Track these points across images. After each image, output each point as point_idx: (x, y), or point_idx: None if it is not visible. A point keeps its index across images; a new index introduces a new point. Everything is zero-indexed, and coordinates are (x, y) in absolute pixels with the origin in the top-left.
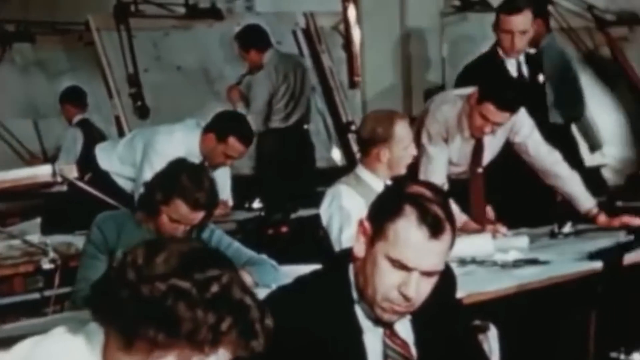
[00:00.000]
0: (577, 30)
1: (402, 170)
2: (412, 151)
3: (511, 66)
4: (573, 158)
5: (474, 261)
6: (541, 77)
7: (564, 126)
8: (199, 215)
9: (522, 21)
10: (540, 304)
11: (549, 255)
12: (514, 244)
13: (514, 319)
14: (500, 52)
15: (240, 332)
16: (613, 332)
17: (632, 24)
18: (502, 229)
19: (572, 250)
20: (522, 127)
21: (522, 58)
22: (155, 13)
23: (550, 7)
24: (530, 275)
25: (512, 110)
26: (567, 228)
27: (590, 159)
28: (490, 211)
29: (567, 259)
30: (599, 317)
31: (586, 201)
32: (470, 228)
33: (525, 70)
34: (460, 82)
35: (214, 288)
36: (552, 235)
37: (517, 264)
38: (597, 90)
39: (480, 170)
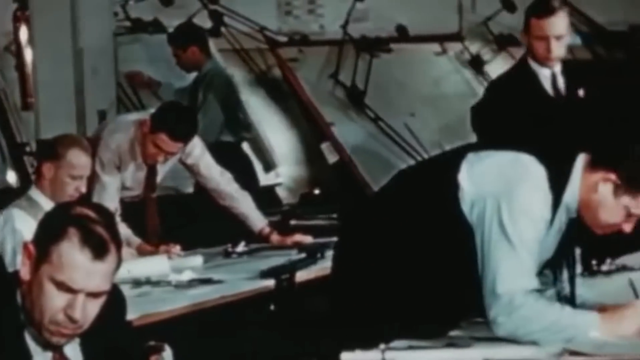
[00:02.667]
0: (249, 52)
1: (64, 198)
2: (82, 188)
3: (545, 80)
4: (246, 177)
5: (149, 282)
6: (582, 92)
7: (235, 145)
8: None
9: (558, 24)
10: (216, 322)
11: (222, 274)
12: (189, 264)
13: (190, 339)
14: (532, 64)
15: None
16: (288, 348)
17: (302, 44)
18: (176, 249)
19: (245, 269)
20: (194, 149)
21: (558, 69)
22: None
23: (222, 29)
24: (204, 295)
25: (185, 140)
26: (241, 247)
27: (265, 179)
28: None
29: (240, 278)
30: (274, 333)
31: (258, 221)
32: (144, 250)
33: (561, 82)
34: (488, 98)
35: None
36: (226, 254)
37: (192, 283)
38: (270, 111)
39: (154, 195)
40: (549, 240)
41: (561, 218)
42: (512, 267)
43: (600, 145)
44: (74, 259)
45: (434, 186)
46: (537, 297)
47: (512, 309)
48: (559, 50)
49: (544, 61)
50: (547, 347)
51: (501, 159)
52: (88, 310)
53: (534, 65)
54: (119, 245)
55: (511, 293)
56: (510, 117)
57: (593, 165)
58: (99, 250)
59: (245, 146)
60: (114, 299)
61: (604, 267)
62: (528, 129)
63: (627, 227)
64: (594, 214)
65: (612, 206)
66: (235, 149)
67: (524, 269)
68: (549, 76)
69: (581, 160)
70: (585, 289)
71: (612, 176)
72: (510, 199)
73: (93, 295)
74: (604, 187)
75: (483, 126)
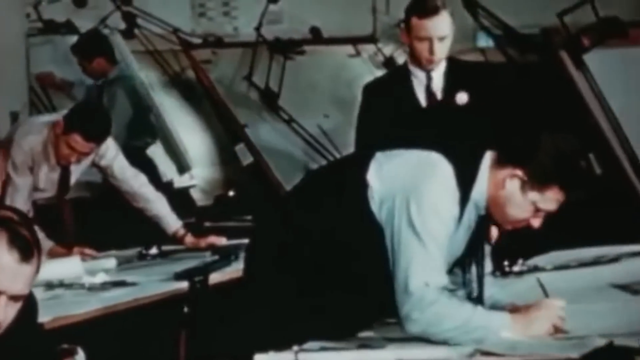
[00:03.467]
0: (163, 53)
1: None
2: None
3: (419, 83)
4: (159, 180)
5: (61, 284)
6: (464, 97)
7: (142, 149)
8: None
9: (440, 24)
10: (130, 325)
11: (136, 277)
12: (102, 267)
13: (103, 342)
14: (410, 65)
15: None
16: (202, 350)
17: (216, 46)
18: (90, 251)
19: (159, 271)
20: (108, 151)
21: (439, 71)
22: None
23: (136, 31)
24: (117, 297)
25: (98, 141)
26: (155, 249)
27: (179, 181)
28: None
29: (154, 280)
30: (188, 336)
31: (172, 223)
32: (58, 253)
33: (438, 85)
34: (364, 99)
35: None
36: (140, 256)
37: (105, 286)
38: (183, 112)
39: (67, 196)
40: (459, 237)
41: (470, 215)
42: (423, 263)
43: (506, 142)
44: (2, 260)
45: (344, 186)
46: (449, 295)
47: (425, 305)
48: (441, 51)
49: (426, 63)
50: (459, 348)
51: (409, 157)
52: (8, 313)
53: (411, 67)
54: (40, 249)
55: (423, 289)
56: (378, 121)
57: (500, 162)
58: (25, 252)
59: (160, 148)
60: (26, 302)
61: (516, 268)
62: (396, 133)
63: (536, 223)
64: (502, 210)
65: (519, 202)
66: (140, 154)
67: (435, 265)
68: (424, 79)
69: (488, 157)
70: (497, 289)
71: (519, 172)
72: (419, 196)
73: (14, 298)
74: (511, 183)
75: (357, 131)
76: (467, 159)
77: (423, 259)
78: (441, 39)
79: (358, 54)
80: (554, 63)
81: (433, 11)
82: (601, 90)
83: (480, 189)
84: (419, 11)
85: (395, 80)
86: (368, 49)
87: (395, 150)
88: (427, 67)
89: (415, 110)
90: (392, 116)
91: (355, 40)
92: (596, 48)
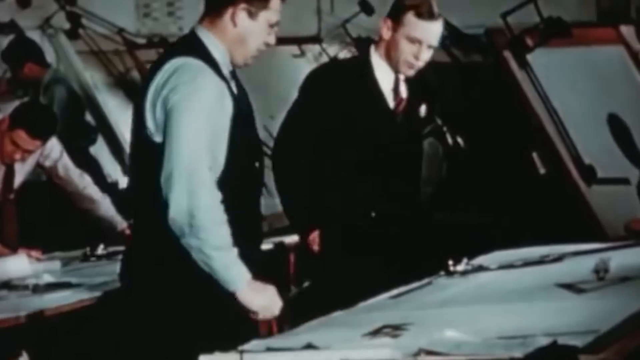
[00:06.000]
0: (107, 54)
1: None
2: None
3: (385, 82)
4: (104, 181)
5: (6, 285)
6: (423, 109)
7: (85, 150)
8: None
9: (436, 32)
10: (74, 326)
11: (80, 278)
12: (47, 268)
13: (48, 343)
14: (377, 59)
15: None
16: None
17: (161, 46)
18: (36, 253)
19: (103, 272)
20: (52, 151)
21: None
22: None
23: (80, 31)
24: (62, 299)
25: (44, 138)
26: (99, 251)
27: (124, 181)
28: None
29: (98, 282)
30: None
31: (118, 223)
32: (2, 253)
33: (404, 92)
34: (310, 90)
35: None
36: (85, 258)
37: (50, 287)
38: (128, 113)
39: (12, 196)
40: None
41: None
42: None
43: None
44: None
45: None
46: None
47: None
48: (425, 60)
49: (406, 67)
50: (404, 347)
51: None
52: None
53: (377, 62)
54: None
55: None
56: (330, 119)
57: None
58: None
59: (105, 149)
60: None
61: (460, 267)
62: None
63: (271, 40)
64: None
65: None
66: (84, 155)
67: None
68: (392, 81)
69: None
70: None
71: (241, 4)
72: None
73: None
74: (240, 17)
75: (294, 129)
76: None
77: None
78: (430, 47)
79: (303, 54)
80: (498, 63)
81: (433, 15)
82: (545, 91)
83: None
84: (419, 10)
85: (355, 74)
86: (313, 49)
87: None
88: (403, 71)
89: (385, 114)
90: (353, 116)
91: (300, 41)
92: (540, 48)
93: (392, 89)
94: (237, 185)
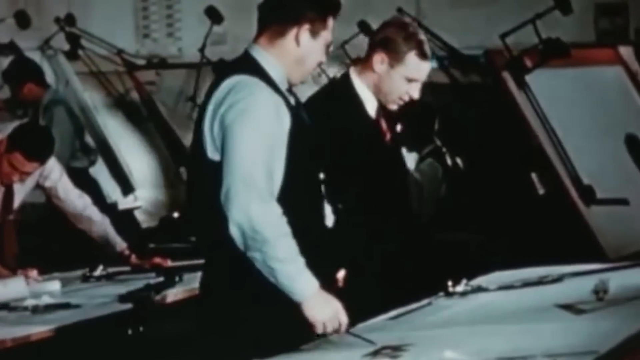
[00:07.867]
0: (107, 74)
1: None
2: None
3: (371, 106)
4: (103, 201)
5: (5, 307)
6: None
7: (84, 171)
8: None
9: (428, 69)
10: (74, 347)
11: (80, 299)
12: (46, 289)
13: None
14: (362, 88)
15: None
16: None
17: (160, 67)
18: (33, 273)
19: (103, 293)
20: (52, 172)
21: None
22: None
23: (80, 52)
24: (61, 319)
25: (42, 160)
26: (99, 271)
27: (123, 202)
28: None
29: (98, 302)
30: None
31: (117, 244)
32: (1, 274)
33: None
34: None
35: None
36: (84, 278)
37: (49, 308)
38: (128, 134)
39: (11, 217)
40: None
41: None
42: None
43: None
44: None
45: None
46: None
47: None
48: (417, 94)
49: (396, 102)
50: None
51: None
52: None
53: (361, 91)
54: None
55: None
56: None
57: None
58: None
59: (104, 170)
60: None
61: (459, 288)
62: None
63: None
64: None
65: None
66: (84, 175)
67: None
68: (375, 108)
69: None
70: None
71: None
72: None
73: None
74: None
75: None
76: None
77: None
78: (421, 83)
79: None
80: (497, 84)
81: (428, 55)
82: (544, 111)
83: None
84: (421, 51)
85: (344, 100)
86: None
87: None
88: (390, 105)
89: (377, 139)
90: (347, 141)
91: None
92: (539, 69)
93: (375, 113)
94: (297, 197)
